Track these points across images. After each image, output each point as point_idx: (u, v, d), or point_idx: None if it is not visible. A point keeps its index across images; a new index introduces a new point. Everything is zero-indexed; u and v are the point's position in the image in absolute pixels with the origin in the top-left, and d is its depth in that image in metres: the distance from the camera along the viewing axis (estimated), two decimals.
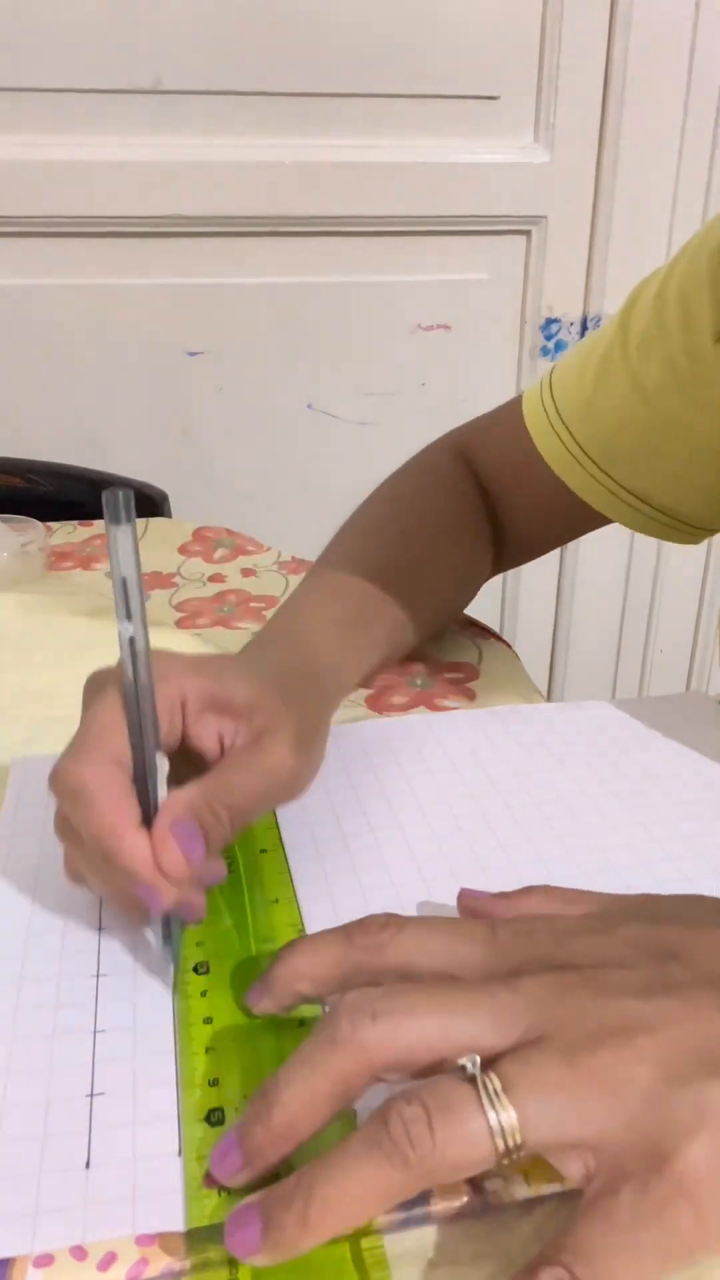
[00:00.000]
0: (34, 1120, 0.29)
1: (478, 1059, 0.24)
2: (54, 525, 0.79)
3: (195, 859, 0.32)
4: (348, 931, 0.29)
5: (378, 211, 1.15)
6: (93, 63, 1.04)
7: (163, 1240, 0.26)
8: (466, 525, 0.59)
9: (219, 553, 0.76)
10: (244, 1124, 0.26)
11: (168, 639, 0.61)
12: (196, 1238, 0.25)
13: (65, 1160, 0.28)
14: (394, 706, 0.53)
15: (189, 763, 0.36)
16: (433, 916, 0.30)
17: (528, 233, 1.21)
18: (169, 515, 1.01)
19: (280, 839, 0.40)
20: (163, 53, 1.05)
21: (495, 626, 0.67)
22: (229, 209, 1.11)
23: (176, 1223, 0.26)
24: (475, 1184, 0.27)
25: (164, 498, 1.02)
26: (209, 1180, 0.26)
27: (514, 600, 1.40)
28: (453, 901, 0.35)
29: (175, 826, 0.33)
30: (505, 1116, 0.23)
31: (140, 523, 0.81)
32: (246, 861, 0.39)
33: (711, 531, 0.59)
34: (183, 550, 0.76)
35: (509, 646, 0.61)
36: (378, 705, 0.53)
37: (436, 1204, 0.26)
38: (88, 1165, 0.27)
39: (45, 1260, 0.25)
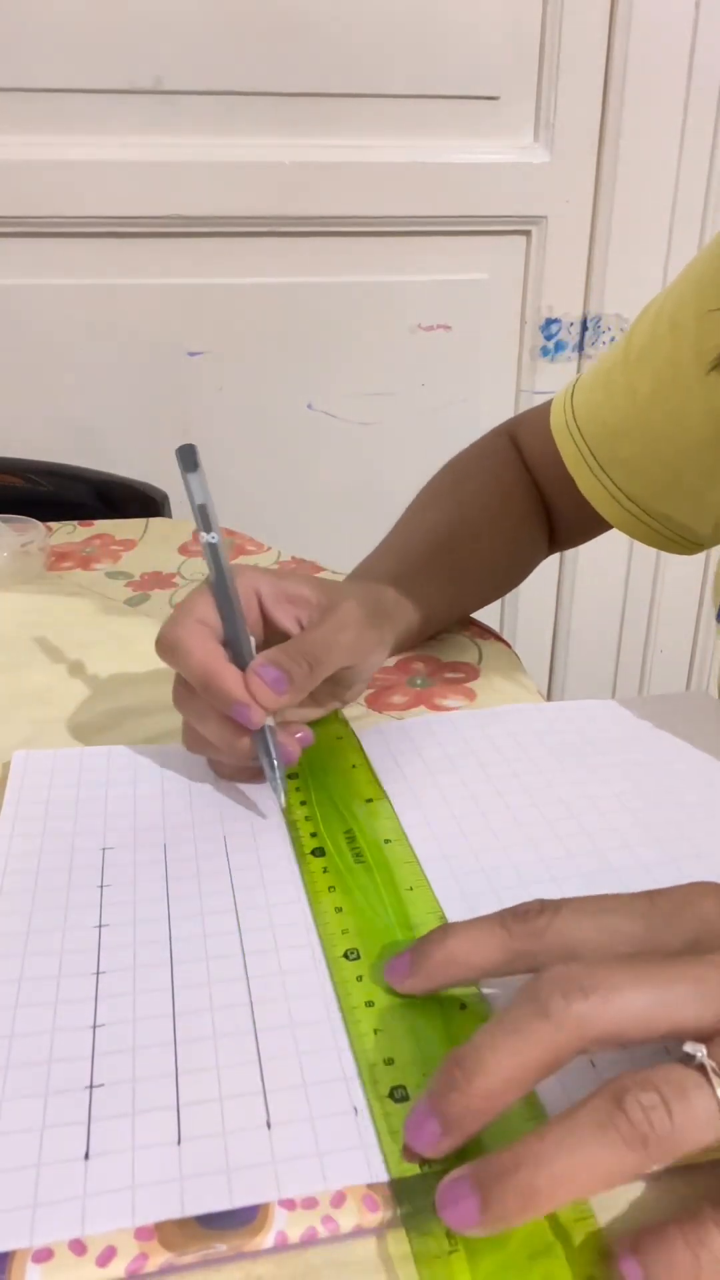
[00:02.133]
0: (32, 1112, 0.29)
1: (703, 1047, 0.25)
2: (54, 525, 0.79)
3: (279, 688, 0.41)
4: (503, 919, 0.31)
5: (378, 211, 1.15)
6: (93, 63, 1.04)
7: (162, 1235, 0.26)
8: (518, 502, 0.64)
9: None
10: (437, 1094, 0.26)
11: None
12: (410, 1220, 0.26)
13: (64, 1151, 0.28)
14: (394, 706, 0.53)
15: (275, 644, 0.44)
16: (584, 895, 0.31)
17: (528, 233, 1.21)
18: (169, 515, 1.01)
19: (403, 829, 0.41)
20: (163, 53, 1.05)
21: (495, 626, 0.67)
22: (229, 209, 1.11)
23: (174, 1210, 0.26)
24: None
25: (164, 498, 1.02)
26: (408, 1153, 0.27)
27: (514, 600, 1.40)
28: (452, 903, 0.35)
29: (259, 668, 0.41)
30: None
31: (140, 522, 0.81)
32: (373, 853, 0.40)
33: (703, 546, 0.60)
34: (183, 550, 0.76)
35: (509, 646, 0.61)
36: (378, 705, 0.53)
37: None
38: (86, 1156, 0.28)
39: (44, 1255, 0.25)
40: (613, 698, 0.58)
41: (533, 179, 1.18)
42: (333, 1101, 0.29)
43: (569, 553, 1.38)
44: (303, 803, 0.43)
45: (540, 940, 0.30)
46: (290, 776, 0.45)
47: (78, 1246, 0.25)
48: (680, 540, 0.61)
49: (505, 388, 1.28)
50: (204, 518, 0.44)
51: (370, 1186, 0.27)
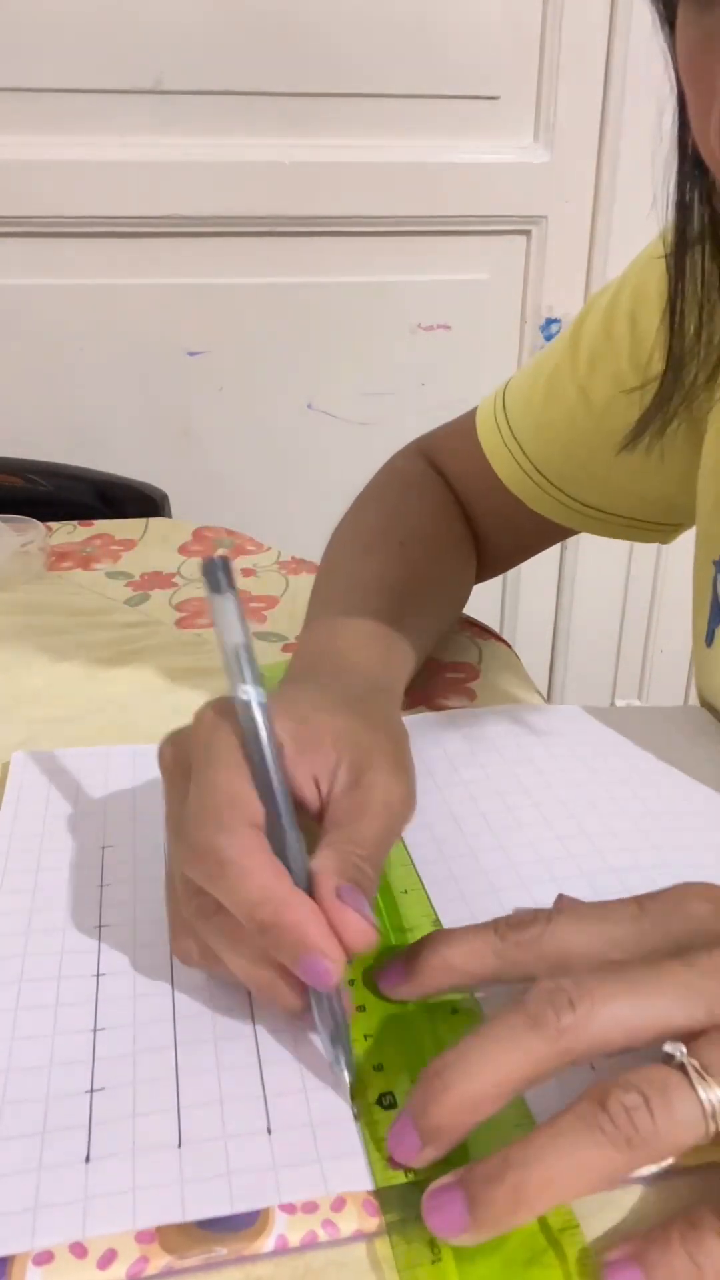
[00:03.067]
0: (33, 1116, 0.29)
1: (683, 1047, 0.26)
2: (54, 525, 0.79)
3: (373, 923, 0.30)
4: (497, 927, 0.31)
5: (378, 211, 1.15)
6: (93, 63, 1.04)
7: (162, 1238, 0.26)
8: (454, 535, 0.58)
9: (218, 553, 0.76)
10: (418, 1105, 0.26)
11: (168, 639, 0.61)
12: (395, 1228, 0.26)
13: (65, 1155, 0.28)
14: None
15: None
16: (577, 903, 0.32)
17: (528, 233, 1.21)
18: (169, 515, 1.01)
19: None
20: (163, 53, 1.05)
21: (495, 626, 0.67)
22: (229, 209, 1.11)
23: (175, 1215, 0.26)
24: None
25: (164, 498, 1.02)
26: (393, 1163, 0.27)
27: (514, 600, 1.40)
28: (452, 905, 0.35)
29: (345, 892, 0.30)
30: (715, 1096, 0.25)
31: (140, 522, 0.81)
32: None
33: (682, 528, 0.59)
34: (183, 550, 0.76)
35: (509, 646, 0.61)
36: None
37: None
38: (87, 1159, 0.27)
39: (45, 1258, 0.25)
40: (612, 698, 0.58)
41: (533, 179, 1.18)
42: (333, 1107, 0.29)
43: (569, 553, 1.38)
44: None
45: (534, 949, 0.30)
46: None
47: (78, 1249, 0.25)
48: (657, 529, 0.58)
49: None
50: (239, 661, 0.32)
51: (370, 1191, 0.27)
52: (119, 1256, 0.25)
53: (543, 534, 0.61)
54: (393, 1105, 0.29)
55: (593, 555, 1.39)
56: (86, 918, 0.36)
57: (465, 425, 0.61)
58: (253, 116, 1.10)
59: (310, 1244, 0.26)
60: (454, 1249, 0.25)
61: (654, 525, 0.58)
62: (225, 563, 0.31)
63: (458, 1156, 0.27)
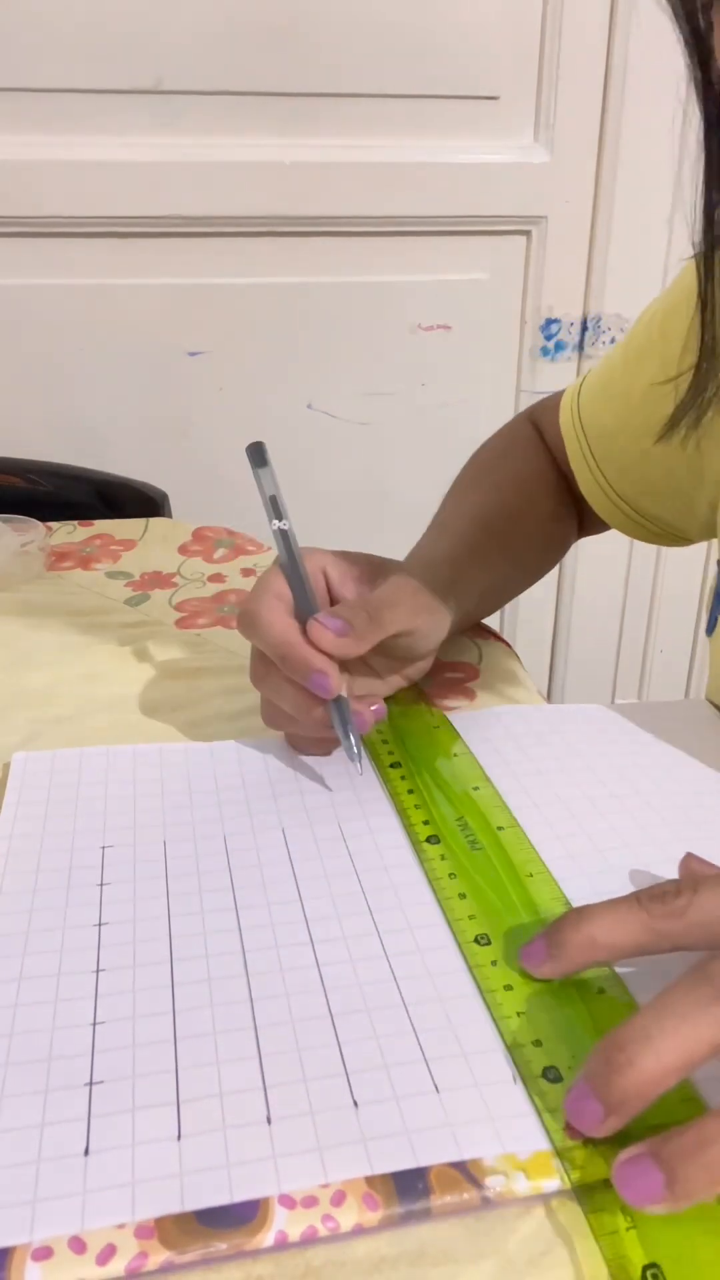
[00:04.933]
0: (32, 1109, 0.29)
1: None
2: (54, 525, 0.79)
3: (342, 633, 0.43)
4: (640, 900, 0.31)
5: (378, 211, 1.15)
6: (93, 63, 1.04)
7: (161, 1233, 0.26)
8: (549, 485, 0.65)
9: (219, 553, 0.76)
10: (599, 1076, 0.27)
11: (168, 639, 0.61)
12: (586, 1191, 0.27)
13: (64, 1148, 0.28)
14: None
15: None
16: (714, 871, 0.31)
17: (528, 233, 1.21)
18: (169, 515, 1.01)
19: (515, 817, 0.42)
20: (163, 53, 1.05)
21: (495, 626, 0.67)
22: (229, 209, 1.11)
23: (174, 1206, 0.26)
24: (477, 1180, 0.27)
25: (164, 498, 1.02)
26: (571, 1131, 0.28)
27: (514, 600, 1.40)
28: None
29: (322, 618, 0.43)
30: None
31: (140, 522, 0.81)
32: (489, 839, 0.40)
33: (693, 540, 0.61)
34: (183, 550, 0.76)
35: (509, 646, 0.61)
36: None
37: (438, 1199, 0.27)
38: (86, 1152, 0.28)
39: (44, 1254, 0.25)
40: (612, 698, 0.58)
41: (533, 179, 1.18)
42: (333, 1096, 0.29)
43: (569, 553, 1.38)
44: (410, 791, 0.44)
45: (682, 919, 0.30)
46: (394, 765, 0.46)
47: (77, 1245, 0.25)
48: (668, 536, 0.62)
49: (505, 388, 1.28)
50: (275, 507, 0.48)
51: (369, 1183, 0.27)
52: (118, 1252, 0.25)
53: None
54: (558, 1079, 0.29)
55: (593, 555, 1.39)
56: (86, 916, 0.37)
57: (560, 397, 0.66)
58: (253, 116, 1.10)
59: (311, 1239, 0.26)
60: (642, 1215, 0.26)
61: (671, 533, 0.62)
62: (262, 446, 0.51)
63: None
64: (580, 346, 1.28)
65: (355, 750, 0.43)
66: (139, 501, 1.01)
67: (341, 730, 0.43)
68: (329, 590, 0.49)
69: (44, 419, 1.17)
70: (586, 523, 0.68)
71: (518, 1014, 0.32)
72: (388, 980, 0.34)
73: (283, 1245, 0.26)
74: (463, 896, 0.37)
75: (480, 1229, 0.27)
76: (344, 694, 0.44)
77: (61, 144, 1.06)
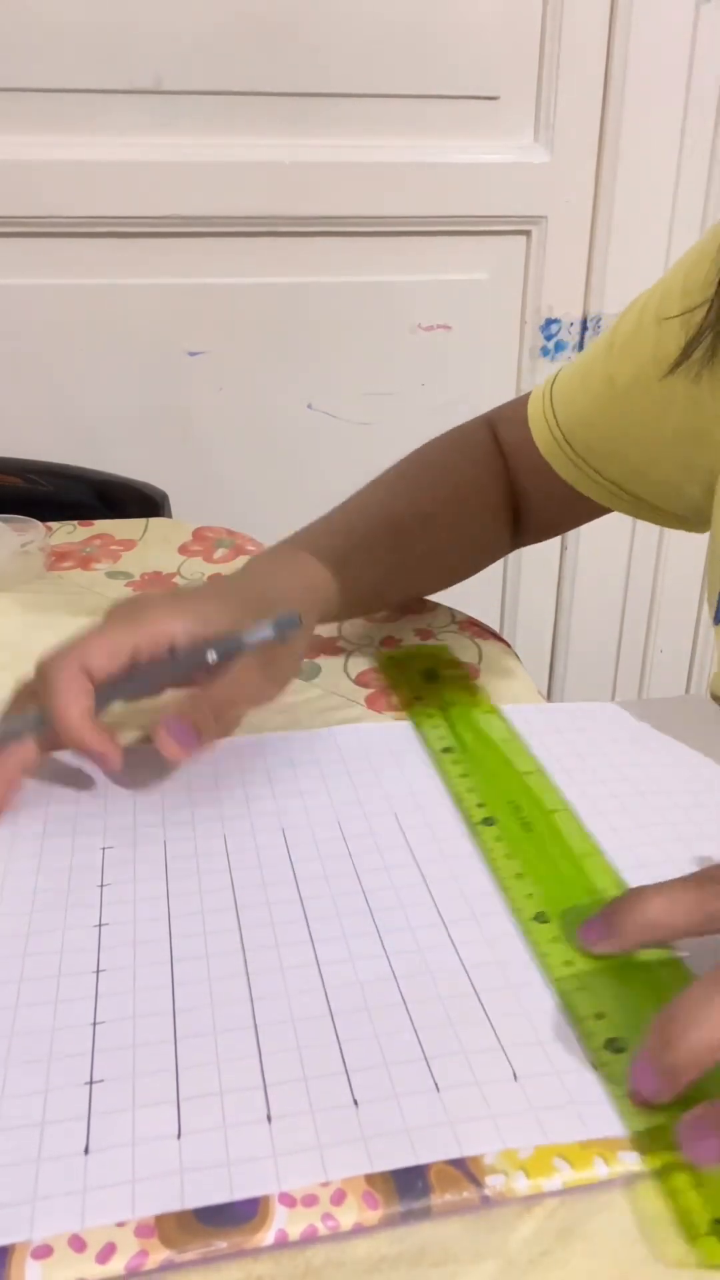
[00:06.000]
0: (32, 1108, 0.29)
1: None
2: (54, 525, 0.79)
3: (189, 744, 0.42)
4: (698, 880, 0.32)
5: (378, 211, 1.15)
6: (93, 63, 1.04)
7: (161, 1232, 0.26)
8: (485, 492, 0.63)
9: (219, 553, 0.76)
10: (656, 1048, 0.28)
11: None
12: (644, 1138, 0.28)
13: (64, 1146, 0.28)
14: (393, 706, 0.53)
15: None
16: None
17: (528, 233, 1.21)
18: (169, 515, 1.01)
19: (567, 801, 0.42)
20: (163, 53, 1.05)
21: (495, 626, 0.67)
22: (229, 209, 1.11)
23: (174, 1204, 0.26)
24: (476, 1179, 0.27)
25: (164, 498, 1.02)
26: (637, 1098, 0.29)
27: (514, 600, 1.40)
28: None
29: (168, 721, 0.42)
30: None
31: (140, 522, 0.81)
32: (543, 822, 0.41)
33: (689, 526, 0.60)
34: (183, 550, 0.76)
35: (509, 646, 0.61)
36: (377, 705, 0.53)
37: (438, 1198, 0.27)
38: (86, 1151, 0.28)
39: (44, 1252, 0.25)
40: (613, 698, 0.58)
41: (533, 179, 1.18)
42: (334, 1094, 0.29)
43: (569, 552, 1.38)
44: (463, 775, 0.44)
45: None
46: (446, 750, 0.46)
47: (77, 1243, 0.25)
48: (674, 517, 0.61)
49: (505, 388, 1.28)
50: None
51: (369, 1181, 0.27)
52: (118, 1250, 0.25)
53: (577, 508, 0.63)
54: (621, 1049, 0.30)
55: (593, 555, 1.39)
56: (86, 916, 0.37)
57: (524, 399, 0.66)
58: (253, 116, 1.10)
59: (311, 1238, 0.26)
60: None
61: (670, 515, 0.61)
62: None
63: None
64: (580, 346, 1.28)
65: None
66: (139, 501, 1.01)
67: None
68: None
69: (44, 419, 1.16)
70: (532, 527, 0.66)
71: (578, 989, 0.33)
72: (387, 979, 0.34)
73: (283, 1244, 0.26)
74: (519, 876, 0.38)
75: (481, 1229, 0.27)
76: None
77: (61, 144, 1.06)
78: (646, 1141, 0.28)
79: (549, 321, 1.26)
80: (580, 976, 0.33)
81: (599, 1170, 0.27)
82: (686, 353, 0.52)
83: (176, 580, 0.70)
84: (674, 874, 0.36)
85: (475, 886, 0.38)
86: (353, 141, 1.12)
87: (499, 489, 0.64)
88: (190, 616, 0.44)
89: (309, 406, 1.24)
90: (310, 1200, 0.27)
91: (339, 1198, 0.27)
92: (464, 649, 0.60)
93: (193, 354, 1.18)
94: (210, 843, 0.41)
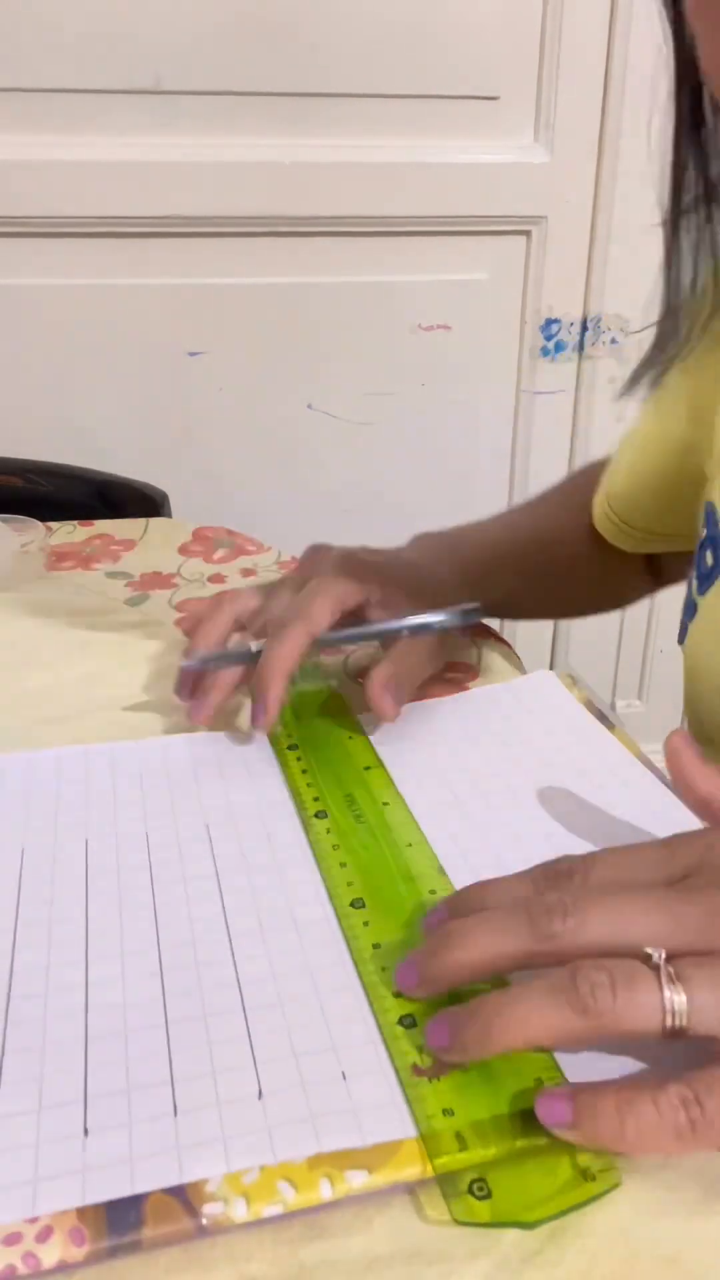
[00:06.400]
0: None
1: (663, 952, 0.28)
2: (54, 525, 0.79)
3: (401, 703, 0.47)
4: (530, 916, 0.30)
5: (378, 211, 1.15)
6: (93, 63, 1.04)
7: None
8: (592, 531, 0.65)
9: (219, 553, 0.76)
10: (425, 953, 0.31)
11: (168, 639, 0.61)
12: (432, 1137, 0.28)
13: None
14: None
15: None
16: (608, 878, 0.32)
17: (528, 233, 1.21)
18: (169, 515, 1.01)
19: (399, 793, 0.43)
20: (163, 53, 1.05)
21: (495, 626, 0.66)
22: (229, 209, 1.11)
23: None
24: (193, 1208, 0.26)
25: (164, 498, 1.02)
26: (399, 986, 0.31)
27: None
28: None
29: (384, 684, 0.46)
30: (678, 999, 0.27)
31: (140, 522, 0.81)
32: (373, 813, 0.42)
33: None
34: (183, 550, 0.76)
35: (509, 646, 0.61)
36: None
37: (150, 1230, 0.26)
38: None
39: (46, 1234, 0.25)
40: (613, 698, 0.59)
41: (533, 179, 1.18)
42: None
43: None
44: (304, 771, 0.45)
45: (563, 942, 0.30)
46: (290, 748, 0.47)
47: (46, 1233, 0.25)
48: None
49: (505, 388, 1.28)
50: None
51: (80, 1216, 0.26)
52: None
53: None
54: (413, 1025, 0.31)
55: None
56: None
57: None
58: (253, 116, 1.10)
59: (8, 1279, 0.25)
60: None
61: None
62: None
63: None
64: (580, 346, 1.28)
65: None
66: (139, 501, 1.01)
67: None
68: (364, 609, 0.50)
69: (44, 419, 1.17)
70: (663, 572, 0.69)
71: (381, 969, 0.33)
72: (156, 1000, 0.33)
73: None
74: (343, 865, 0.39)
75: (476, 1228, 0.27)
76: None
77: (61, 144, 1.06)
78: (431, 1141, 0.28)
79: (549, 321, 1.26)
80: (386, 957, 0.34)
81: (324, 1191, 0.26)
82: (635, 378, 0.52)
83: (176, 580, 0.70)
84: (494, 860, 0.38)
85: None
86: (353, 141, 1.12)
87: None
88: (384, 588, 0.50)
89: (309, 406, 1.24)
90: (13, 1239, 0.25)
91: (45, 1235, 0.25)
92: (464, 649, 0.60)
93: (193, 354, 1.18)
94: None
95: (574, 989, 0.27)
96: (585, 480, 0.67)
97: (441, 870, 0.38)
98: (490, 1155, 0.27)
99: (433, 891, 0.37)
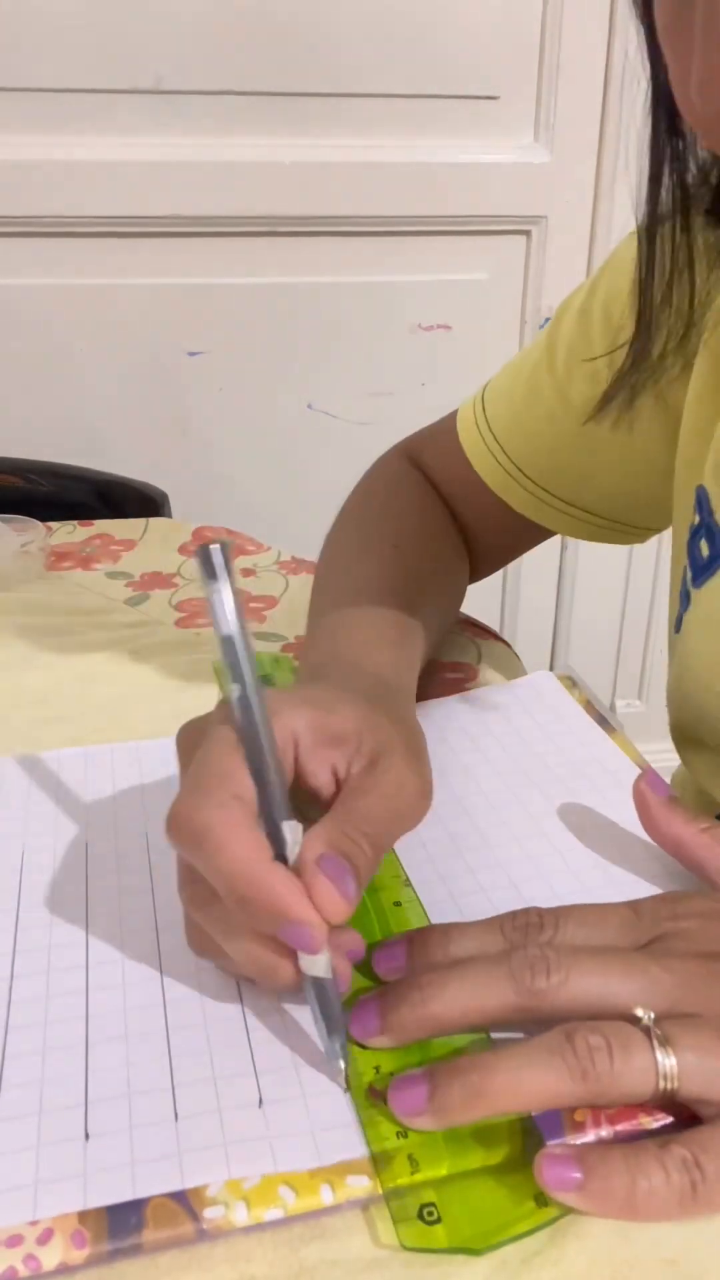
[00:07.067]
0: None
1: (652, 1012, 0.28)
2: (54, 525, 0.79)
3: (349, 894, 0.30)
4: (513, 972, 0.29)
5: (378, 211, 1.15)
6: (93, 63, 1.04)
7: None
8: (445, 535, 0.58)
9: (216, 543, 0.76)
10: (391, 1001, 0.29)
11: (168, 639, 0.61)
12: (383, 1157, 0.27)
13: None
14: None
15: (303, 801, 0.34)
16: (579, 937, 0.31)
17: (528, 233, 1.21)
18: (169, 515, 1.01)
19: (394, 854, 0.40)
20: (163, 53, 1.05)
21: (495, 626, 0.66)
22: (229, 209, 1.11)
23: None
24: (194, 1212, 0.26)
25: (164, 498, 1.02)
26: (354, 1031, 0.30)
27: (514, 600, 1.40)
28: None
29: (324, 861, 0.30)
30: (669, 1062, 0.27)
31: (140, 522, 0.81)
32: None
33: (657, 530, 0.59)
34: (183, 550, 0.76)
35: (509, 646, 0.61)
36: None
37: (150, 1234, 0.26)
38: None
39: (46, 1236, 0.25)
40: (613, 698, 0.59)
41: (533, 179, 1.18)
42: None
43: (569, 552, 1.38)
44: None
45: (551, 999, 0.29)
46: None
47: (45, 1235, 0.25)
48: (634, 530, 0.58)
49: None
50: (232, 655, 0.30)
51: (81, 1219, 0.26)
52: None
53: (526, 533, 0.60)
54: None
55: (593, 554, 1.39)
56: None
57: (447, 427, 0.62)
58: (253, 116, 1.10)
59: None
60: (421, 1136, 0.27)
61: (630, 527, 0.58)
62: (226, 547, 0.30)
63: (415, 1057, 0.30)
64: None
65: (339, 1051, 0.30)
66: (139, 501, 1.01)
67: (322, 1017, 0.30)
68: (297, 763, 0.34)
69: (44, 419, 1.17)
70: (477, 562, 0.61)
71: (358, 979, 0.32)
72: (155, 1005, 0.33)
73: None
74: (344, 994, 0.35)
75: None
76: (326, 965, 0.30)
77: (61, 144, 1.06)
78: (382, 1162, 0.27)
79: (548, 321, 1.26)
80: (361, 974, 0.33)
81: (325, 1197, 0.27)
82: (607, 399, 0.49)
83: (176, 580, 0.70)
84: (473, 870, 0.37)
85: None
86: (353, 141, 1.12)
87: (452, 528, 0.59)
88: (316, 706, 0.35)
89: (309, 406, 1.24)
90: (14, 1241, 0.26)
91: (46, 1237, 0.26)
92: (463, 649, 0.60)
93: (193, 354, 1.18)
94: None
95: (571, 1052, 0.27)
96: (392, 499, 0.59)
97: (407, 882, 0.37)
98: (442, 1174, 0.27)
99: (397, 904, 0.37)
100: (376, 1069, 0.30)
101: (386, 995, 0.30)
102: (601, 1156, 0.26)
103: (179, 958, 0.34)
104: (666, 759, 0.55)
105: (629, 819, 0.41)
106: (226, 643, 0.30)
